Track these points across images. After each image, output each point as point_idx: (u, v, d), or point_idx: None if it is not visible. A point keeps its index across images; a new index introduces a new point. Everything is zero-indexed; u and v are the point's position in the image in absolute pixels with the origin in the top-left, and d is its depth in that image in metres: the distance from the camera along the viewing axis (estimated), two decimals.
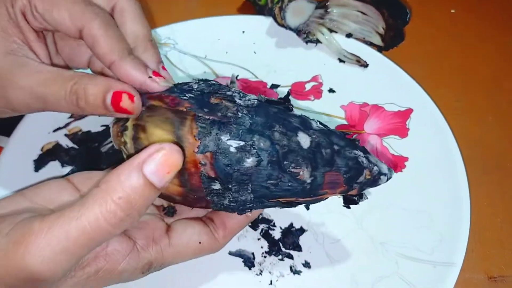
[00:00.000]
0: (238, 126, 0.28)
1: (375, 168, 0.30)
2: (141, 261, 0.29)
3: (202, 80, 0.31)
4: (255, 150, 0.28)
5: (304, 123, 0.30)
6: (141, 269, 0.30)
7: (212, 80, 0.31)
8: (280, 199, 0.30)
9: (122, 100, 0.28)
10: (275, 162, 0.28)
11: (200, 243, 0.32)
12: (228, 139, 0.28)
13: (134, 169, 0.25)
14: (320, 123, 0.31)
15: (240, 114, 0.28)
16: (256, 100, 0.30)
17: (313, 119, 0.31)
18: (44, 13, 0.31)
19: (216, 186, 0.29)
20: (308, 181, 0.29)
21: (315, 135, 0.29)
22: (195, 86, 0.30)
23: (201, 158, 0.28)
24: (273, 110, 0.30)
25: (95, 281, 0.28)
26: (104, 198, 0.24)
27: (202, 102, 0.29)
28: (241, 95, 0.30)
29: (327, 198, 0.31)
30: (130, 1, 0.33)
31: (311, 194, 0.30)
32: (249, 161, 0.28)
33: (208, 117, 0.28)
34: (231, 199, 0.29)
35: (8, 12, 0.31)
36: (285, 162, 0.28)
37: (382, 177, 0.31)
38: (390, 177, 0.31)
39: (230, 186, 0.28)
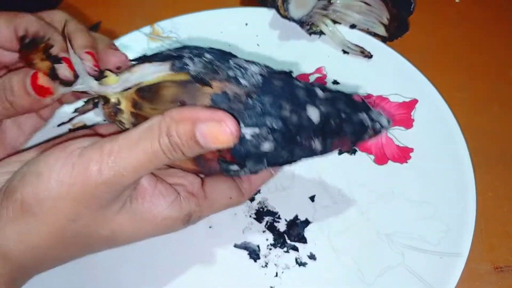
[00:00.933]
0: (249, 111, 0.28)
1: (377, 125, 0.32)
2: (182, 211, 0.31)
3: (196, 55, 0.30)
4: (270, 135, 0.28)
5: (310, 93, 0.30)
6: (182, 219, 0.31)
7: (206, 52, 0.30)
8: None
9: (38, 78, 0.30)
10: (288, 139, 0.29)
11: (231, 198, 0.34)
12: (242, 127, 0.28)
13: (189, 120, 0.26)
14: (323, 87, 0.32)
15: (249, 100, 0.28)
16: (259, 76, 0.30)
17: (316, 85, 0.32)
18: None
19: (234, 167, 0.30)
20: (319, 148, 0.31)
21: (323, 105, 0.30)
22: (191, 67, 0.29)
23: None
24: (278, 85, 0.30)
25: (142, 222, 0.30)
26: (161, 124, 0.26)
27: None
28: (243, 72, 0.29)
29: None
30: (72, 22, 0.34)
31: (319, 155, 0.31)
32: (266, 146, 0.29)
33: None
34: (247, 171, 0.30)
35: None
36: (298, 138, 0.29)
37: (382, 130, 0.33)
38: (389, 127, 0.34)
39: (247, 165, 0.30)
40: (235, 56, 0.31)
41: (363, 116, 0.32)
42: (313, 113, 0.30)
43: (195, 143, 0.26)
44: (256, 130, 0.28)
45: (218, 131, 0.26)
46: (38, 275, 0.31)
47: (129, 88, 0.30)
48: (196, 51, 0.30)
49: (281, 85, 0.30)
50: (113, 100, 0.31)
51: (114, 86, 0.31)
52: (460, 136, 0.42)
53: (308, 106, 0.30)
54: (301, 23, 0.51)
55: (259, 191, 0.42)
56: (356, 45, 0.49)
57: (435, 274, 0.36)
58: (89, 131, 0.36)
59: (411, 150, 0.43)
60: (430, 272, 0.36)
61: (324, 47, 0.50)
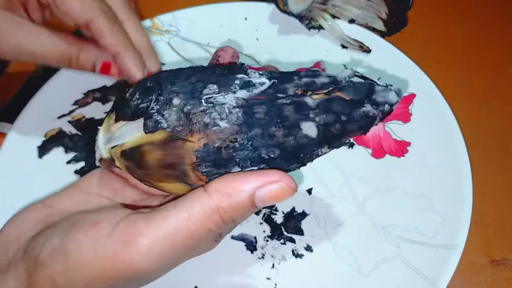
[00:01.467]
0: (240, 153, 0.26)
1: (386, 107, 0.28)
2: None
3: (164, 104, 0.27)
4: (271, 162, 0.27)
5: (299, 107, 0.27)
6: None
7: (174, 95, 0.27)
8: None
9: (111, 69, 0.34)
10: (291, 159, 0.27)
11: None
12: (239, 171, 0.27)
13: (246, 192, 0.25)
14: (309, 87, 0.28)
15: (236, 143, 0.26)
16: (238, 109, 0.26)
17: (302, 92, 0.28)
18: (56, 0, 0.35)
19: None
20: (328, 151, 0.28)
21: (318, 116, 0.27)
22: (165, 124, 0.26)
23: None
24: (261, 111, 0.27)
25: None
26: (211, 207, 0.25)
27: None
28: (219, 111, 0.26)
29: None
30: (130, 15, 0.38)
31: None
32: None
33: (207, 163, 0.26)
34: None
35: None
36: (301, 155, 0.27)
37: (393, 106, 0.29)
38: (401, 98, 0.29)
39: None
40: (205, 86, 0.27)
41: (367, 108, 0.28)
42: (310, 129, 0.27)
43: (253, 209, 0.25)
44: (255, 168, 0.26)
45: (280, 192, 0.25)
46: None
47: (115, 146, 0.28)
48: (162, 97, 0.26)
49: (265, 110, 0.26)
50: (106, 155, 0.29)
51: (102, 141, 0.29)
52: (457, 130, 0.42)
53: (302, 123, 0.27)
54: (300, 17, 0.51)
55: None
56: (355, 40, 0.49)
57: (431, 266, 0.36)
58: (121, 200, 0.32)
59: (409, 144, 0.43)
60: (426, 264, 0.37)
61: (323, 42, 0.51)
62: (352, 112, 0.27)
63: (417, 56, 0.47)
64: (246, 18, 0.53)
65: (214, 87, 0.26)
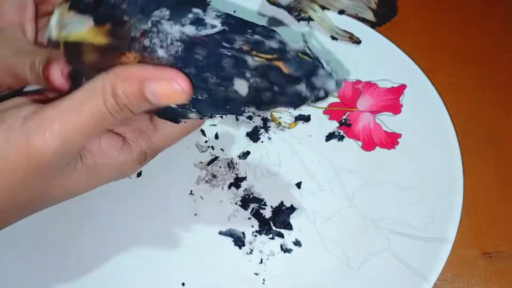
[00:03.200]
0: None
1: (321, 92, 0.28)
2: (134, 152, 0.31)
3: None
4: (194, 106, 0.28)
5: (238, 63, 0.27)
6: (136, 160, 0.31)
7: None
8: None
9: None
10: (218, 106, 0.28)
11: (185, 121, 0.32)
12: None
13: (137, 80, 0.25)
14: (256, 46, 0.27)
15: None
16: (180, 43, 0.26)
17: (249, 49, 0.27)
18: None
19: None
20: (256, 111, 0.30)
21: (253, 77, 0.27)
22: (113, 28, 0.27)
23: None
24: (200, 54, 0.26)
25: (97, 174, 0.30)
26: (105, 86, 0.25)
27: None
28: (162, 39, 0.26)
29: None
30: None
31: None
32: (193, 116, 0.29)
33: None
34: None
35: None
36: (228, 106, 0.28)
37: (328, 95, 0.29)
38: (340, 88, 0.29)
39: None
40: (158, 7, 0.27)
41: (301, 88, 0.28)
42: (241, 87, 0.27)
43: (144, 101, 0.25)
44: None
45: (169, 89, 0.25)
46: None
47: (62, 32, 0.28)
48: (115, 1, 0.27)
49: (205, 54, 0.26)
50: (54, 38, 0.29)
51: (53, 20, 0.29)
52: (449, 121, 0.41)
53: (236, 79, 0.27)
54: (289, 9, 0.50)
55: (245, 178, 0.41)
56: (345, 31, 0.48)
57: (420, 259, 0.36)
58: (37, 95, 0.32)
59: (399, 135, 0.42)
60: (415, 258, 0.36)
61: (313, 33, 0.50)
62: (286, 86, 0.27)
63: (408, 46, 0.46)
64: (234, 11, 0.52)
65: (166, 12, 0.26)
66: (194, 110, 0.28)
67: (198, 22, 0.26)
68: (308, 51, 0.28)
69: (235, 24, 0.27)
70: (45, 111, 0.26)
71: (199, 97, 0.27)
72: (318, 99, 0.28)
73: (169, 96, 0.25)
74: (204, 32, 0.26)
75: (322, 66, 0.28)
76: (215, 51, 0.26)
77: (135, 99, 0.25)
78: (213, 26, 0.26)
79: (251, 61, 0.27)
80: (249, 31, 0.27)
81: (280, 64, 0.27)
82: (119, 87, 0.25)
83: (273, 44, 0.27)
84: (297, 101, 0.28)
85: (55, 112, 0.26)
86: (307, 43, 0.28)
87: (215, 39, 0.26)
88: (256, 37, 0.27)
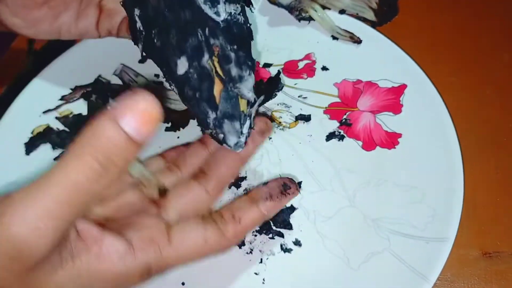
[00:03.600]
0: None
1: (220, 135, 0.31)
2: (138, 262, 0.27)
3: None
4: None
5: (199, 50, 0.30)
6: (139, 273, 0.27)
7: None
8: None
9: None
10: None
11: (206, 241, 0.28)
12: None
13: (108, 121, 0.22)
14: (224, 56, 0.31)
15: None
16: None
17: (221, 48, 0.30)
18: None
19: None
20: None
21: (193, 68, 0.30)
22: None
23: None
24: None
25: (87, 283, 0.25)
26: (80, 152, 0.22)
27: None
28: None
29: None
30: None
31: None
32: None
33: None
34: None
35: None
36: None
37: (223, 144, 0.31)
38: (236, 149, 0.31)
39: None
40: None
41: (211, 115, 0.30)
42: (181, 65, 0.30)
43: (130, 145, 0.22)
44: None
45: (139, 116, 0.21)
46: None
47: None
48: None
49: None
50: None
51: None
52: (449, 121, 0.41)
53: (182, 57, 0.30)
54: (290, 9, 0.50)
55: (245, 178, 0.41)
56: (346, 31, 0.48)
57: (421, 259, 0.36)
58: None
59: (399, 135, 0.42)
60: (416, 258, 0.36)
61: (313, 33, 0.50)
62: (202, 102, 0.30)
63: (409, 46, 0.47)
64: None
65: None
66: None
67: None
68: (251, 107, 0.31)
69: (235, 31, 0.31)
70: (10, 194, 0.22)
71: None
72: (213, 136, 0.31)
73: (145, 125, 0.22)
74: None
75: (241, 123, 0.30)
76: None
77: (115, 148, 0.22)
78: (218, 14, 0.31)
79: (207, 57, 0.30)
80: (235, 47, 0.30)
81: (219, 84, 0.29)
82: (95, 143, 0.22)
83: (234, 72, 0.30)
84: (200, 120, 0.31)
85: (21, 193, 0.22)
86: (262, 103, 0.31)
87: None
88: (232, 54, 0.30)
